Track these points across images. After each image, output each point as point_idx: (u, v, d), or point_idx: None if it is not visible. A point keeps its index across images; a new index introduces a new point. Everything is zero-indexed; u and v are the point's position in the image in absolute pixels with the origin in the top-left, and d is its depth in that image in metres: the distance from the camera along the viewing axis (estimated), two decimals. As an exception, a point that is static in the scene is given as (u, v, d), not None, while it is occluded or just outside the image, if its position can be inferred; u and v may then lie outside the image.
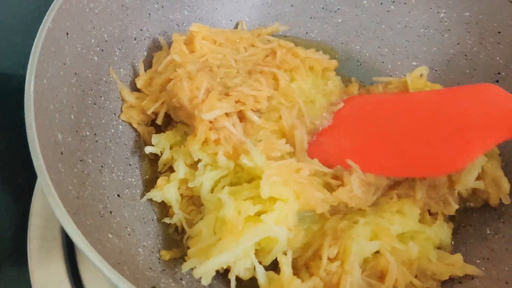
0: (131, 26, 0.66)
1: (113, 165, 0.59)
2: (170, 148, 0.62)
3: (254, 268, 0.53)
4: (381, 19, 0.79)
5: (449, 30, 0.74)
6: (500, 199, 0.60)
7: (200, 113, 0.54)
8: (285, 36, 0.80)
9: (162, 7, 0.70)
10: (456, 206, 0.59)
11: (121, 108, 0.64)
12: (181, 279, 0.54)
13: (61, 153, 0.48)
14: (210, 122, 0.55)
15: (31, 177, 0.68)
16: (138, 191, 0.62)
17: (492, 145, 0.48)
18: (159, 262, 0.55)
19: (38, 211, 0.66)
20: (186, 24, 0.75)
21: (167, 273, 0.54)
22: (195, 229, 0.56)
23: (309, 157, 0.59)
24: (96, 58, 0.59)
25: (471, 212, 0.63)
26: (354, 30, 0.81)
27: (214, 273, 0.51)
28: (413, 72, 0.71)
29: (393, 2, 0.77)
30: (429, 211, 0.59)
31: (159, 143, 0.62)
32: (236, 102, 0.56)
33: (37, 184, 0.68)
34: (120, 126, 0.64)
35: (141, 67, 0.66)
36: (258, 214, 0.52)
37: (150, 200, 0.61)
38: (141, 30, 0.68)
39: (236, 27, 0.80)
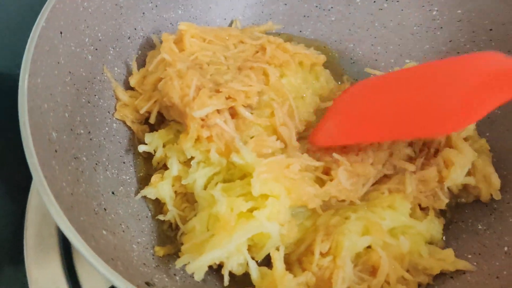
0: (125, 25, 0.66)
1: (107, 163, 0.60)
2: (163, 146, 0.62)
3: (247, 264, 0.53)
4: (374, 17, 0.79)
5: (442, 27, 0.74)
6: (491, 195, 0.61)
7: (191, 111, 0.54)
8: (279, 34, 0.80)
9: (156, 6, 0.70)
10: (446, 200, 0.59)
11: (115, 106, 0.65)
12: (174, 274, 0.55)
13: (55, 151, 0.49)
14: (202, 119, 0.55)
15: (28, 176, 0.68)
16: (132, 189, 0.63)
17: (494, 106, 0.48)
18: (153, 258, 0.56)
19: (34, 210, 0.66)
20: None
21: (161, 269, 0.55)
22: (189, 225, 0.57)
23: (315, 143, 0.61)
24: (90, 57, 0.60)
25: (463, 208, 0.64)
26: (348, 28, 0.81)
27: (206, 269, 0.52)
28: (406, 69, 0.71)
29: (386, 0, 0.78)
30: (420, 206, 0.60)
31: (152, 142, 0.62)
32: (227, 98, 0.56)
33: (33, 183, 0.69)
34: (114, 124, 0.64)
35: (134, 66, 0.67)
36: (251, 210, 0.53)
37: (145, 197, 0.61)
38: (135, 29, 0.68)
39: (230, 26, 0.80)
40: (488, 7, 0.68)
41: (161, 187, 0.59)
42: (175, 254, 0.57)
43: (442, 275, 0.57)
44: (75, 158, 0.53)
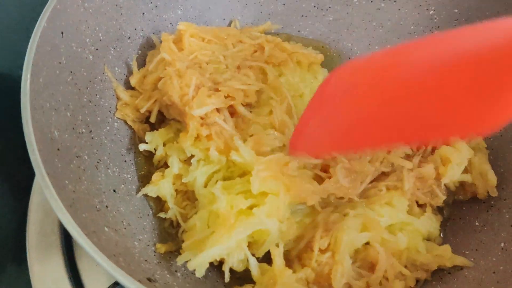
0: (125, 25, 0.67)
1: (109, 161, 0.60)
2: (164, 145, 0.63)
3: (248, 260, 0.54)
4: (372, 16, 0.80)
5: (439, 27, 0.75)
6: (488, 192, 0.61)
7: (191, 109, 0.54)
8: (278, 34, 0.81)
9: (156, 6, 0.71)
10: (443, 197, 0.60)
11: (116, 106, 0.65)
12: (176, 271, 0.56)
13: (58, 149, 0.49)
14: (201, 118, 0.56)
15: (30, 175, 0.69)
16: (133, 187, 0.63)
17: None
18: (154, 255, 0.56)
19: (36, 208, 0.67)
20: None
21: (163, 265, 0.55)
22: (190, 223, 0.58)
23: (292, 154, 0.52)
24: (91, 57, 0.60)
25: (460, 205, 0.64)
26: (345, 27, 0.82)
27: (207, 265, 0.52)
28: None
29: (383, 0, 0.78)
30: (417, 203, 0.61)
31: (153, 141, 0.63)
32: (226, 97, 0.57)
33: (35, 181, 0.70)
34: (116, 124, 0.65)
35: (134, 66, 0.67)
36: (250, 207, 0.53)
37: (146, 195, 0.62)
38: (135, 29, 0.69)
39: (229, 26, 0.81)
40: (486, 6, 0.69)
41: (162, 185, 0.60)
42: (176, 251, 0.58)
43: (440, 271, 0.58)
44: (77, 156, 0.53)
